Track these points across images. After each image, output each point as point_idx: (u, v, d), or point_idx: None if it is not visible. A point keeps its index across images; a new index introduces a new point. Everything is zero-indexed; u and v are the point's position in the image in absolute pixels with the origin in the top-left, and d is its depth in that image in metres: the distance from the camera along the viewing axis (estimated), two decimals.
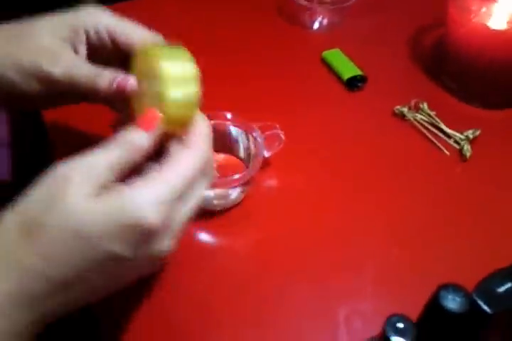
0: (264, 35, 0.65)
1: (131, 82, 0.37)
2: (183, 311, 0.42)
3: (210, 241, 0.47)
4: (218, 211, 0.48)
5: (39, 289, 0.31)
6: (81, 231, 0.30)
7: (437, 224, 0.48)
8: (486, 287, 0.33)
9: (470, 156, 0.53)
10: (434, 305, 0.31)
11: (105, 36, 0.40)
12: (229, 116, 0.48)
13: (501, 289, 0.33)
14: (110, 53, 0.41)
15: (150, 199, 0.31)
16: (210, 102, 0.55)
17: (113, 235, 0.31)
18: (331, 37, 0.66)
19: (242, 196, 0.48)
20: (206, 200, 0.47)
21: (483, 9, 0.54)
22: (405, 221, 0.48)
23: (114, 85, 0.37)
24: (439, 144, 0.55)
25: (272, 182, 0.51)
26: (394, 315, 0.30)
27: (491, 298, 0.33)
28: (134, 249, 0.32)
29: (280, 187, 0.51)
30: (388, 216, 0.49)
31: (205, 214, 0.47)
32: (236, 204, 0.48)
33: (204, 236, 0.47)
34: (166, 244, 0.34)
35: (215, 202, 0.47)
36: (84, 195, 0.31)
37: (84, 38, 0.40)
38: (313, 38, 0.67)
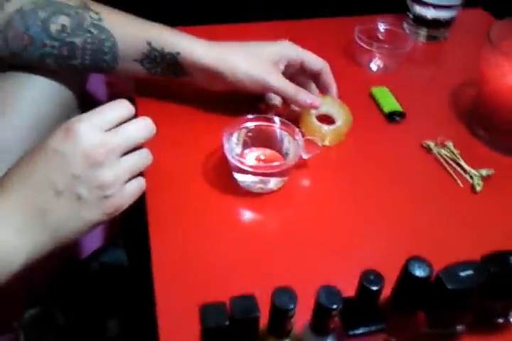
0: None
1: (319, 103, 0.62)
2: (217, 265, 0.53)
3: (247, 216, 0.58)
4: (258, 194, 0.59)
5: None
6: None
7: (434, 233, 0.58)
8: (451, 270, 0.42)
9: (480, 190, 0.62)
10: (404, 271, 0.40)
11: (298, 62, 0.65)
12: (277, 120, 0.61)
13: (463, 274, 0.42)
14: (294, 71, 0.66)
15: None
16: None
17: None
18: (383, 77, 0.78)
19: (280, 186, 0.59)
20: (250, 184, 0.58)
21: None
22: (407, 228, 0.58)
23: (308, 101, 0.62)
24: (455, 176, 0.64)
25: (305, 180, 0.62)
26: (368, 270, 0.39)
27: (453, 278, 0.42)
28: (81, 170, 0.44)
29: (311, 186, 0.62)
30: (393, 221, 0.59)
31: (247, 195, 0.59)
32: (273, 192, 0.59)
33: (246, 213, 0.59)
34: (106, 173, 0.45)
35: (257, 185, 0.58)
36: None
37: (286, 62, 0.64)
38: (368, 76, 0.79)
